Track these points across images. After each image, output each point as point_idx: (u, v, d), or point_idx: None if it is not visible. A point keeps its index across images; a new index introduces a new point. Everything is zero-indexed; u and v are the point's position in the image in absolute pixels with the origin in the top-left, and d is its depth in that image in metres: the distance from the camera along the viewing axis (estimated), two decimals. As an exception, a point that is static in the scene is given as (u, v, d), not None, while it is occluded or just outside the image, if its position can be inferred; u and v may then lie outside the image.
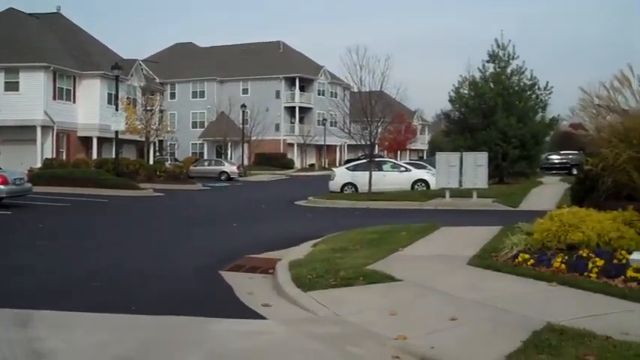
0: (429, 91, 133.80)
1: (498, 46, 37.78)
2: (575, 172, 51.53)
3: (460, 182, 26.33)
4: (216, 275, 10.97)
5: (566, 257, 9.64)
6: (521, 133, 35.65)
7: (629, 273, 8.46)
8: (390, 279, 9.63)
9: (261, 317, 8.08)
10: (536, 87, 37.75)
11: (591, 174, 12.74)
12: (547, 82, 37.89)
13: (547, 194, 29.06)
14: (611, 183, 12.10)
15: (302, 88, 78.12)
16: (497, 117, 35.60)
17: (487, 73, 37.99)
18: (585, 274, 8.93)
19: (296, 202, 28.69)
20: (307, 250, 13.12)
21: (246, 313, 8.30)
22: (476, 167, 26.20)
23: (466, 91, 38.05)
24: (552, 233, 10.53)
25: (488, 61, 38.05)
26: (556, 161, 54.33)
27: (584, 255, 9.57)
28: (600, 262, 9.04)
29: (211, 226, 19.27)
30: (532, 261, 9.94)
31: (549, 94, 37.82)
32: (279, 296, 9.31)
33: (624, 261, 9.04)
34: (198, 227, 19.03)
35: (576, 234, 10.20)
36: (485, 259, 10.75)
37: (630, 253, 9.24)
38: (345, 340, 6.86)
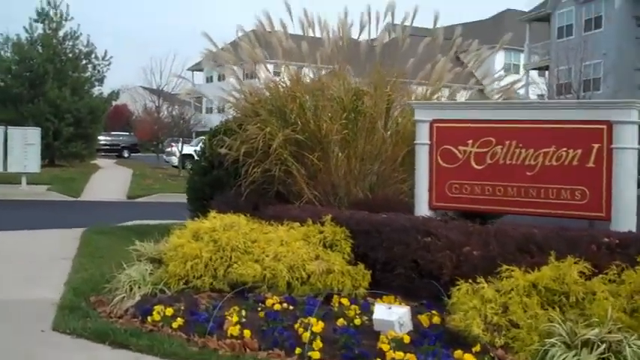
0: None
1: (49, 3, 31.89)
2: (126, 154, 48.63)
3: (5, 165, 20.71)
4: None
5: (245, 312, 5.41)
6: (77, 108, 30.61)
7: (387, 352, 4.57)
8: None
9: None
10: (94, 56, 32.92)
11: (224, 161, 8.75)
12: (105, 52, 33.40)
13: (112, 180, 25.08)
14: (261, 175, 8.28)
15: None
16: (48, 87, 30.07)
17: (35, 35, 31.88)
18: (298, 351, 4.79)
19: None
20: None
21: None
22: (26, 146, 21.04)
23: (9, 54, 31.44)
24: (204, 263, 6.23)
25: (36, 21, 32.01)
26: (106, 143, 49.83)
27: (278, 308, 5.48)
28: (321, 327, 4.98)
29: None
30: (181, 321, 5.47)
31: (108, 64, 33.37)
32: None
33: (358, 321, 5.16)
34: None
35: (249, 266, 6.05)
36: (89, 317, 5.87)
37: (364, 304, 5.39)
38: None
